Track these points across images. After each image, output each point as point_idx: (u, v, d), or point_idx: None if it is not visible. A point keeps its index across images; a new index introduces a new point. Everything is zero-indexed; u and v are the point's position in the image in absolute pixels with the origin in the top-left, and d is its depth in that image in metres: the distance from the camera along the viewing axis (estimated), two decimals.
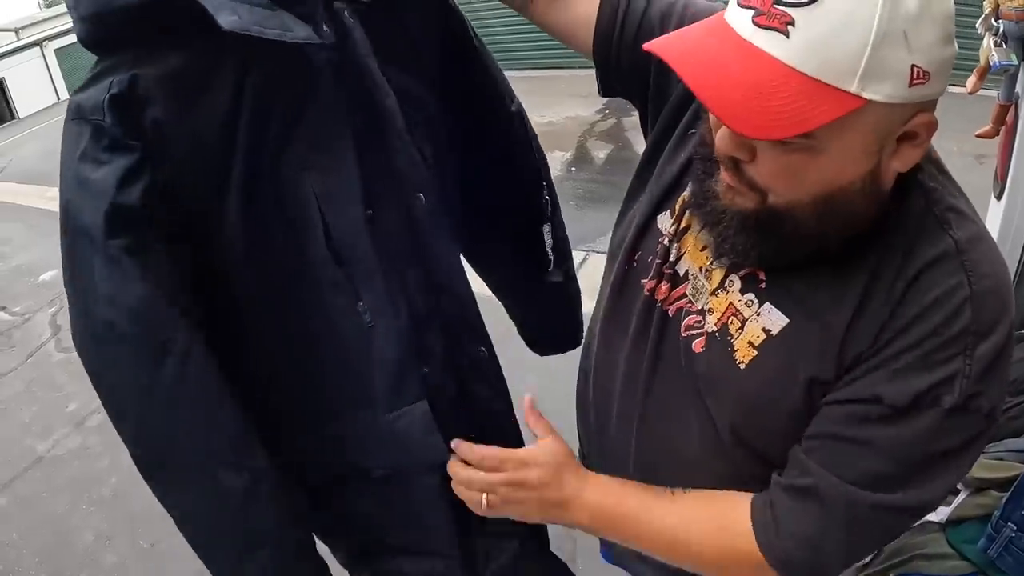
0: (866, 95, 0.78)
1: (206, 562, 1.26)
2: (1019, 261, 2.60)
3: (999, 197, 2.80)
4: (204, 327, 1.14)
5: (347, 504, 1.41)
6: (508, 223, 1.66)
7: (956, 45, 0.83)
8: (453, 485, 1.30)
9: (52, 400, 5.24)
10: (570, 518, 1.22)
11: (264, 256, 1.16)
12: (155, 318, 1.08)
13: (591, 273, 5.04)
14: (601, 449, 1.34)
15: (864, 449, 0.95)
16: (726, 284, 1.08)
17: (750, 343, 1.04)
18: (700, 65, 0.84)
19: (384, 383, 1.26)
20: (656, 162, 1.24)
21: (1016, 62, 5.41)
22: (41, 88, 28.61)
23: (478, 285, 1.54)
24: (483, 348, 1.43)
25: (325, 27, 1.09)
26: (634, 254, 1.23)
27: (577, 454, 1.42)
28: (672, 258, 1.16)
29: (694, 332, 1.12)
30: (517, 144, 1.54)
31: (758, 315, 1.03)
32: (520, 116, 1.53)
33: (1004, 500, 1.68)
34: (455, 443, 1.30)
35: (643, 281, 1.19)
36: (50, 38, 29.38)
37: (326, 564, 1.37)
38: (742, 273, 1.07)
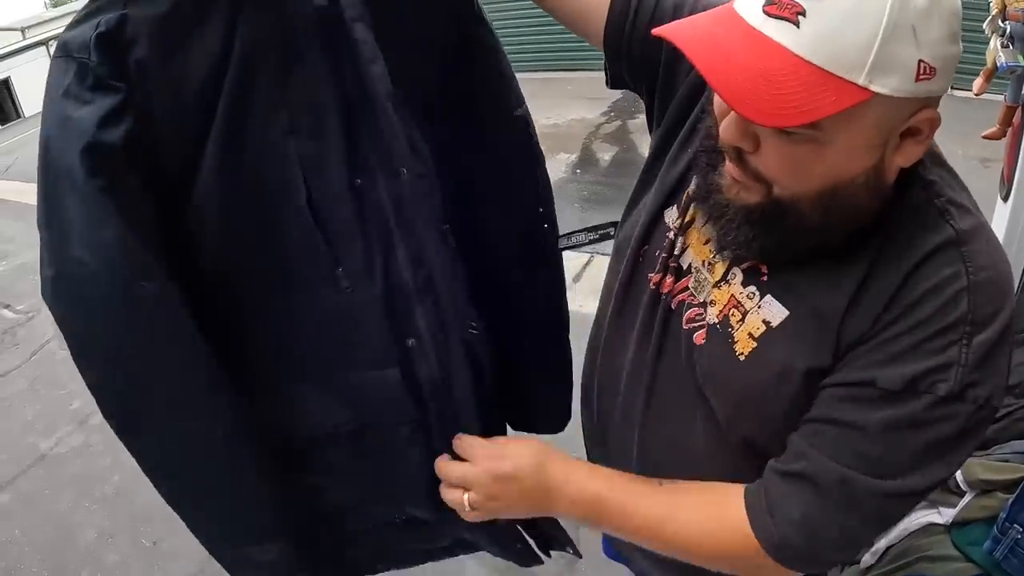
0: (874, 88, 0.78)
1: (174, 507, 1.26)
2: None
3: (1005, 199, 2.79)
4: (177, 275, 1.12)
5: (318, 466, 1.40)
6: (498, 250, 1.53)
7: (961, 45, 0.84)
8: (440, 488, 1.27)
9: (55, 398, 5.24)
10: (558, 509, 1.20)
11: (241, 213, 1.15)
12: (128, 259, 1.05)
13: (596, 275, 5.08)
14: (604, 446, 1.34)
15: (858, 433, 0.95)
16: (728, 277, 1.09)
17: (750, 335, 1.04)
18: (709, 51, 0.84)
19: (357, 346, 1.27)
20: (663, 157, 1.24)
21: (1023, 63, 5.40)
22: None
23: None
24: (474, 327, 1.40)
25: None
26: (642, 248, 1.24)
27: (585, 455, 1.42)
28: (677, 251, 1.16)
29: (696, 324, 1.12)
30: (516, 159, 1.45)
31: (759, 307, 1.04)
32: (524, 121, 1.45)
33: (1010, 502, 1.67)
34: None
35: (649, 275, 1.20)
36: (56, 38, 29.31)
37: (290, 512, 1.37)
38: (744, 266, 1.07)
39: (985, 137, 6.03)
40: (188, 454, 1.21)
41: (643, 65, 1.25)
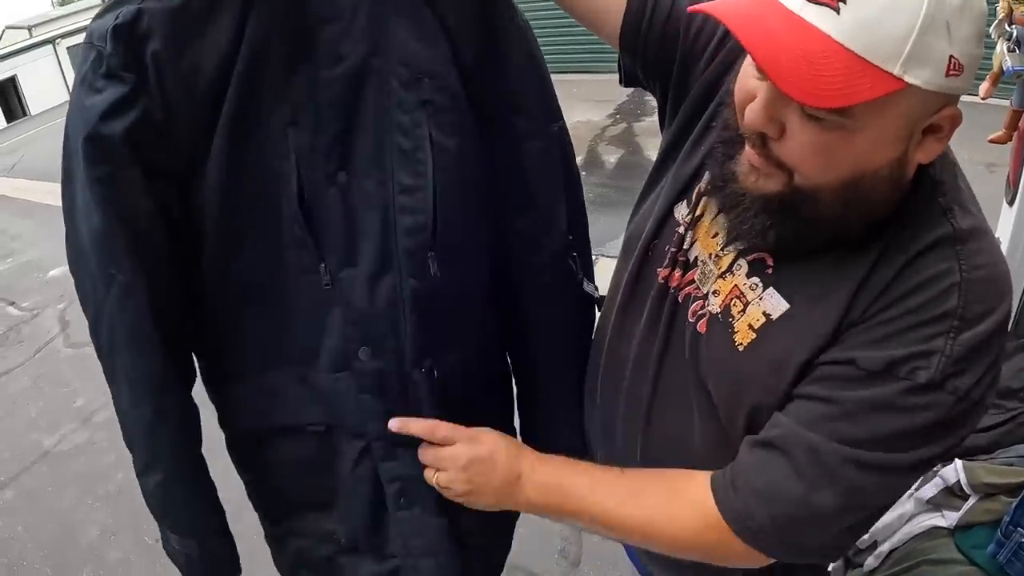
0: (907, 78, 0.79)
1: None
2: None
3: (1011, 203, 2.78)
4: (162, 267, 1.20)
5: (276, 456, 1.42)
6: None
7: (983, 49, 0.86)
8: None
9: (59, 395, 5.26)
10: (522, 496, 1.22)
11: (238, 201, 1.19)
12: (106, 247, 1.14)
13: (601, 275, 5.05)
14: (611, 440, 1.33)
15: (834, 407, 0.95)
16: (733, 268, 1.09)
17: (750, 326, 1.05)
18: (751, 28, 0.85)
19: (331, 345, 1.28)
20: (675, 155, 1.24)
21: None
22: (53, 86, 28.77)
23: None
24: (425, 368, 1.33)
25: None
26: (651, 243, 1.24)
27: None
28: (685, 245, 1.17)
29: (699, 314, 1.13)
30: (544, 178, 1.38)
31: (760, 299, 1.04)
32: (560, 139, 1.40)
33: (1014, 506, 1.67)
34: (395, 422, 1.28)
35: (658, 270, 1.20)
36: (63, 36, 29.54)
37: (213, 496, 1.42)
38: (750, 258, 1.07)
39: (991, 141, 6.02)
40: (134, 429, 1.30)
41: (658, 64, 1.25)
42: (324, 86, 1.16)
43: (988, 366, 0.91)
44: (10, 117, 27.46)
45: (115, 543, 3.73)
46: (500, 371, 1.55)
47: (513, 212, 1.36)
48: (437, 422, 1.27)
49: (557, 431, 1.51)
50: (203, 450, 1.36)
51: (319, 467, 1.40)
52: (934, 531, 1.83)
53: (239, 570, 1.49)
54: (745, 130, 0.95)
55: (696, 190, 1.17)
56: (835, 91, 0.80)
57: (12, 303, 7.28)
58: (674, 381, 1.18)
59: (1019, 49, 5.59)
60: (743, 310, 1.06)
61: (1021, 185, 2.65)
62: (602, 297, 1.44)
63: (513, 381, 1.59)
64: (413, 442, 1.29)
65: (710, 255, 1.13)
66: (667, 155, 1.28)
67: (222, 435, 1.44)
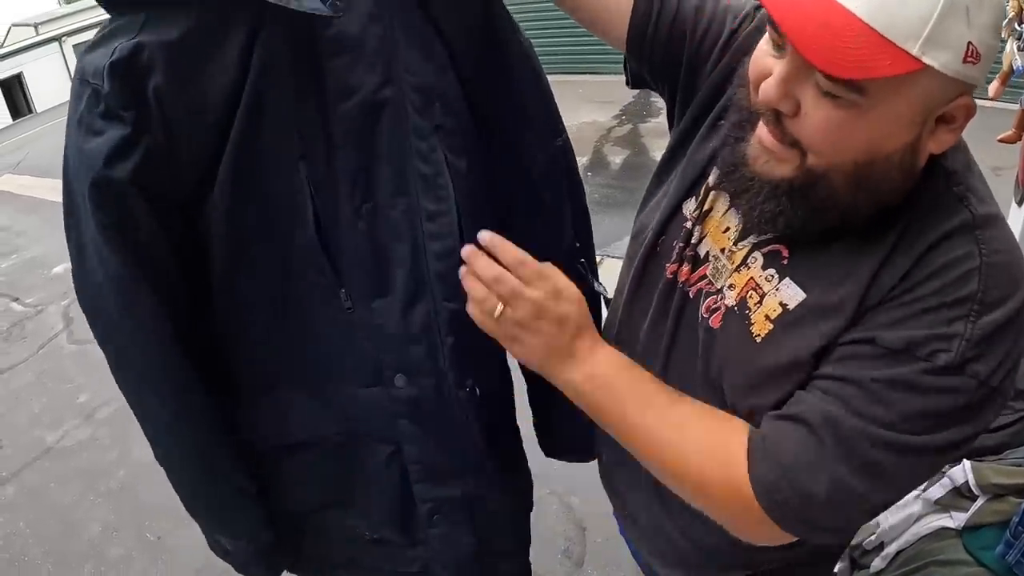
0: (926, 60, 0.80)
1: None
2: None
3: (1020, 203, 2.77)
4: (179, 296, 1.20)
5: (294, 466, 1.42)
6: None
7: (999, 41, 0.86)
8: (464, 276, 1.15)
9: (62, 391, 5.25)
10: (567, 375, 1.14)
11: (245, 229, 1.18)
12: (129, 291, 1.13)
13: (606, 276, 5.05)
14: (613, 440, 1.32)
15: (852, 386, 0.95)
16: (748, 261, 1.09)
17: (767, 316, 1.04)
18: None
19: (351, 363, 1.29)
20: (682, 152, 1.24)
21: None
22: (59, 83, 28.79)
23: None
24: (468, 387, 1.32)
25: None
26: (659, 239, 1.23)
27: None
28: (694, 240, 1.16)
29: (713, 310, 1.12)
30: (550, 190, 1.39)
31: (777, 289, 1.04)
32: (563, 153, 1.41)
33: (1022, 506, 1.66)
34: (484, 234, 1.14)
35: (666, 265, 1.20)
36: (69, 34, 29.62)
37: (248, 488, 1.40)
38: (765, 250, 1.07)
39: (1001, 140, 5.98)
40: (170, 448, 1.31)
41: (665, 66, 1.25)
42: (340, 120, 1.15)
43: (1007, 352, 0.90)
44: (16, 114, 27.50)
45: (117, 539, 3.72)
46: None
47: (522, 223, 1.36)
48: (527, 256, 1.14)
49: (569, 430, 1.51)
50: None
51: (340, 473, 1.41)
52: (942, 532, 1.82)
53: (298, 555, 1.49)
54: (759, 106, 0.95)
55: (704, 185, 1.17)
56: (855, 63, 0.80)
57: (16, 299, 7.27)
58: (680, 377, 1.17)
59: None
60: (759, 301, 1.05)
61: None
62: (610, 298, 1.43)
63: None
64: (449, 469, 1.30)
65: (722, 250, 1.13)
66: (674, 152, 1.28)
67: None
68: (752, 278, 1.07)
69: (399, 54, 1.15)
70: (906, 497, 1.86)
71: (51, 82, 28.52)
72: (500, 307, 1.11)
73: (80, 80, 1.06)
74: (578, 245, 1.44)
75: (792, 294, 1.02)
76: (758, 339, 1.04)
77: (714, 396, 1.12)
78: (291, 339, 1.28)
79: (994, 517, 1.74)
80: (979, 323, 0.88)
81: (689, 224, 1.18)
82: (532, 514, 1.70)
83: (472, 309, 1.15)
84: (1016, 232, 2.62)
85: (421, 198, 1.20)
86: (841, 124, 0.87)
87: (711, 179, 1.15)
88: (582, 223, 1.47)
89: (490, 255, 1.13)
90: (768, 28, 0.92)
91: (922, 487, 1.86)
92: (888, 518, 1.89)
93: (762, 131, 0.96)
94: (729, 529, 1.10)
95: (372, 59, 1.13)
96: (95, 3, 1.06)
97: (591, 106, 9.27)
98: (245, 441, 1.38)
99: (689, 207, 1.20)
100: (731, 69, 1.15)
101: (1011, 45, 5.85)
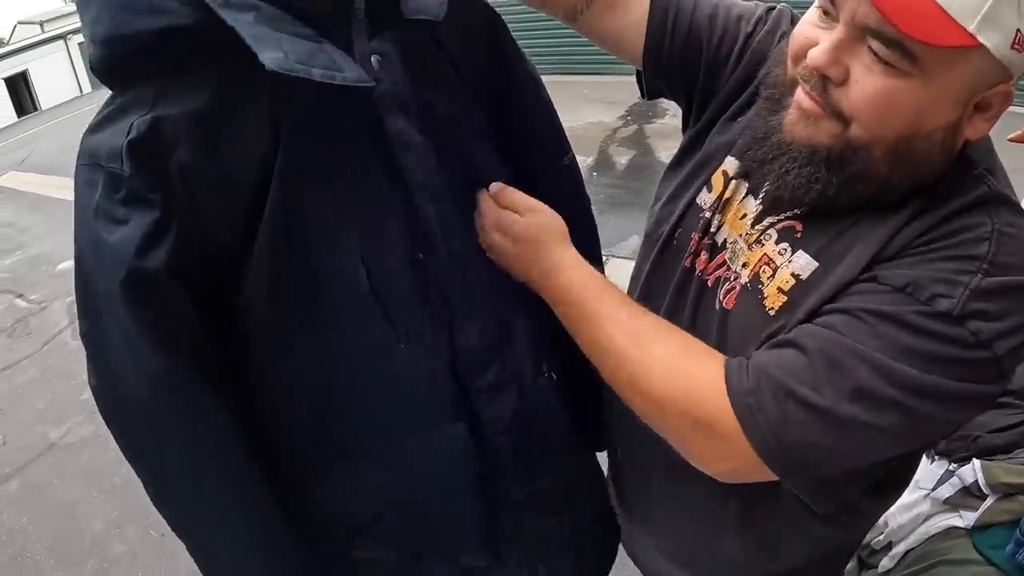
0: (980, 38, 0.82)
1: None
2: None
3: None
4: (230, 389, 1.07)
5: (371, 540, 1.30)
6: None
7: None
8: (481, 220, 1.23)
9: (67, 388, 5.25)
10: (547, 284, 1.19)
11: (294, 296, 1.07)
12: (177, 389, 1.00)
13: (612, 277, 5.04)
14: (630, 433, 1.31)
15: (849, 316, 0.94)
16: (762, 239, 1.09)
17: (779, 289, 1.04)
18: None
19: (417, 408, 1.21)
20: (698, 147, 1.26)
21: None
22: (64, 81, 28.91)
23: None
24: (546, 373, 1.33)
25: (374, 62, 1.03)
26: (675, 232, 1.24)
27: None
28: (713, 228, 1.17)
29: (728, 290, 1.12)
30: (558, 205, 1.33)
31: (789, 261, 1.04)
32: (570, 171, 1.41)
33: None
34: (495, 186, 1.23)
35: (682, 257, 1.20)
36: (74, 32, 29.72)
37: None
38: (780, 227, 1.07)
39: (1011, 140, 5.98)
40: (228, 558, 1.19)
41: (682, 74, 1.26)
42: (382, 171, 1.10)
43: (1016, 325, 0.89)
44: (21, 112, 27.59)
45: (120, 536, 3.72)
46: None
47: None
48: (509, 189, 1.23)
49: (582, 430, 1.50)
50: None
51: (419, 531, 1.31)
52: (951, 531, 1.81)
53: None
54: (805, 73, 0.95)
55: (720, 172, 1.18)
56: (916, 24, 0.81)
57: (21, 295, 7.29)
58: None
59: None
60: (772, 275, 1.05)
61: None
62: None
63: None
64: (540, 461, 1.29)
65: (740, 235, 1.13)
66: (688, 149, 1.29)
67: None
68: (765, 253, 1.07)
69: (428, 95, 1.13)
70: (915, 496, 1.86)
71: (56, 80, 28.62)
72: (490, 235, 1.20)
73: (90, 165, 0.96)
74: (585, 255, 1.42)
75: (805, 264, 1.02)
76: (771, 312, 1.04)
77: None
78: (346, 402, 1.18)
79: (1004, 516, 1.72)
80: (986, 280, 0.88)
81: (707, 214, 1.18)
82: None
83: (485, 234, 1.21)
84: None
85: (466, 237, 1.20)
86: (890, 93, 0.88)
87: (729, 167, 1.16)
88: (589, 234, 1.46)
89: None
90: None
91: (930, 487, 1.85)
92: (896, 517, 1.88)
93: (801, 97, 0.97)
94: (696, 455, 1.07)
95: (403, 103, 1.09)
96: (103, 106, 0.99)
97: (597, 107, 9.26)
98: (314, 529, 1.26)
99: (704, 198, 1.20)
100: (749, 70, 1.18)
101: None
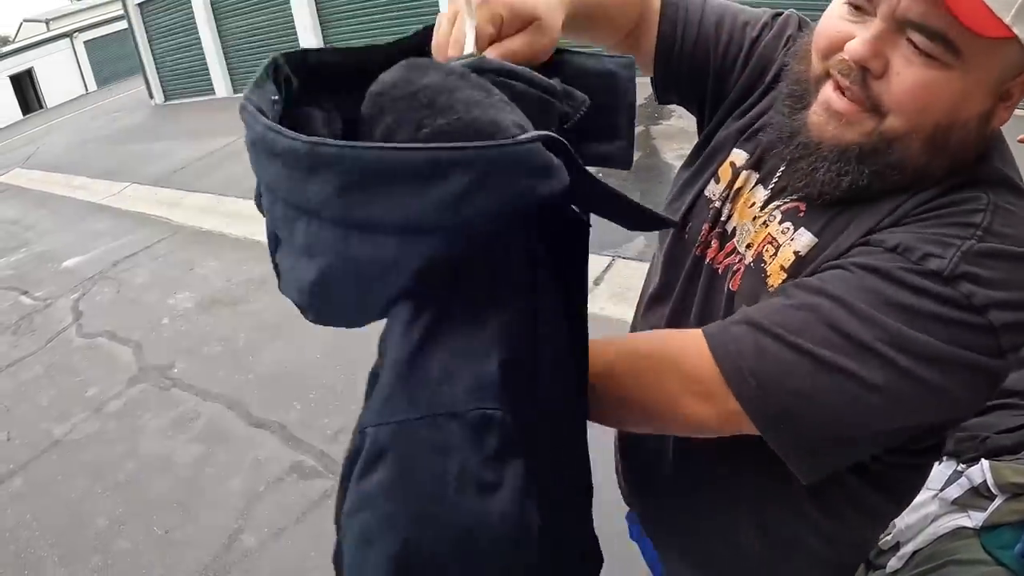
0: (1015, 30, 0.83)
1: None
2: None
3: None
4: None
5: None
6: None
7: None
8: None
9: (71, 385, 5.27)
10: None
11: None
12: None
13: (617, 278, 5.07)
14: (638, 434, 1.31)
15: (837, 270, 0.93)
16: (768, 220, 1.09)
17: (782, 267, 1.03)
18: None
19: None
20: (707, 144, 1.27)
21: None
22: (70, 79, 28.97)
23: None
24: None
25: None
26: (685, 225, 1.24)
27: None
28: (723, 218, 1.18)
29: (734, 273, 1.12)
30: None
31: (791, 240, 1.03)
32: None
33: None
34: None
35: (693, 247, 1.21)
36: (79, 30, 29.77)
37: None
38: (784, 208, 1.07)
39: (1021, 141, 5.96)
40: None
41: (692, 81, 1.27)
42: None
43: (1015, 300, 0.86)
44: (26, 109, 27.67)
45: (124, 533, 3.72)
46: None
47: None
48: None
49: None
50: None
51: None
52: (959, 531, 1.80)
53: None
54: (842, 67, 0.94)
55: (728, 164, 1.19)
56: (975, 18, 0.82)
57: (25, 292, 7.32)
58: None
59: None
60: (774, 254, 1.05)
61: None
62: None
63: None
64: None
65: (751, 219, 1.13)
66: (700, 148, 1.30)
67: None
68: (769, 233, 1.07)
69: None
70: (923, 497, 1.85)
71: (62, 78, 28.68)
72: None
73: (428, 419, 0.66)
74: None
75: (805, 241, 1.01)
76: (772, 290, 1.03)
77: None
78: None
79: (1012, 516, 1.72)
80: (980, 244, 0.87)
81: (717, 204, 1.19)
82: None
83: None
84: None
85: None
86: (932, 84, 0.89)
87: (736, 158, 1.18)
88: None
89: None
90: None
91: (939, 487, 1.85)
92: (904, 518, 1.87)
93: (831, 96, 0.97)
94: (682, 416, 1.01)
95: None
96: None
97: None
98: None
99: (712, 189, 1.21)
100: (756, 74, 1.20)
101: None
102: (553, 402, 0.82)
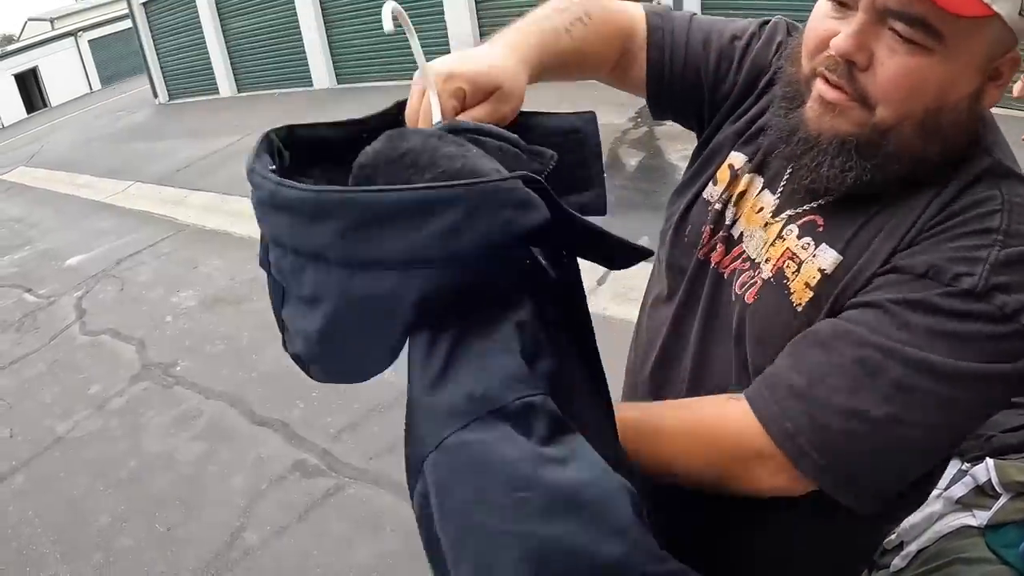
0: (995, 7, 0.84)
1: None
2: None
3: None
4: None
5: None
6: None
7: None
8: None
9: (74, 382, 5.27)
10: None
11: None
12: None
13: (620, 279, 5.06)
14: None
15: (873, 309, 0.93)
16: (783, 233, 1.08)
17: (806, 284, 1.03)
18: None
19: None
20: (704, 148, 1.28)
21: None
22: (74, 78, 29.02)
23: None
24: None
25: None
26: (683, 226, 1.25)
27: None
28: (728, 221, 1.17)
29: (748, 285, 1.11)
30: None
31: (814, 256, 1.03)
32: None
33: None
34: None
35: (695, 249, 1.21)
36: (84, 29, 29.81)
37: None
38: (800, 222, 1.07)
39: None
40: None
41: (687, 101, 1.28)
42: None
43: None
44: (31, 108, 27.73)
45: (126, 530, 3.72)
46: None
47: None
48: None
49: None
50: None
51: None
52: (964, 530, 1.80)
53: None
54: (829, 63, 0.96)
55: (727, 166, 1.19)
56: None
57: (29, 290, 7.34)
58: (710, 359, 1.16)
59: None
60: (797, 270, 1.04)
61: None
62: None
63: None
64: None
65: (757, 228, 1.13)
66: (698, 153, 1.30)
67: None
68: (788, 248, 1.06)
69: None
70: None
71: (66, 76, 28.72)
72: None
73: (481, 420, 0.65)
74: None
75: (830, 258, 1.01)
76: (799, 307, 1.03)
77: (744, 376, 1.09)
78: None
79: (1017, 515, 1.72)
80: (1004, 251, 0.88)
81: (718, 206, 1.18)
82: None
83: None
84: None
85: None
86: (916, 71, 0.89)
87: (734, 160, 1.18)
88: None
89: None
90: None
91: (943, 486, 1.84)
92: (908, 517, 1.87)
93: (822, 88, 0.97)
94: (745, 485, 1.02)
95: None
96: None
97: (607, 107, 9.24)
98: None
99: (710, 191, 1.21)
100: (750, 81, 1.21)
101: None
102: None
